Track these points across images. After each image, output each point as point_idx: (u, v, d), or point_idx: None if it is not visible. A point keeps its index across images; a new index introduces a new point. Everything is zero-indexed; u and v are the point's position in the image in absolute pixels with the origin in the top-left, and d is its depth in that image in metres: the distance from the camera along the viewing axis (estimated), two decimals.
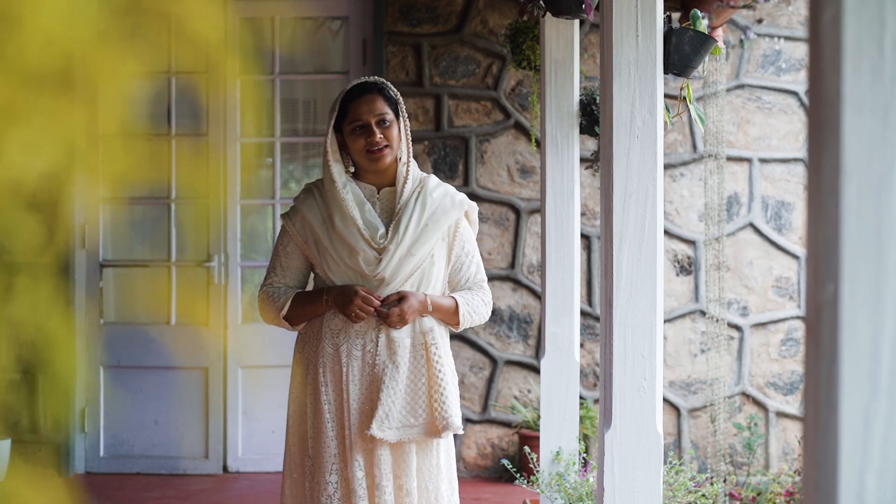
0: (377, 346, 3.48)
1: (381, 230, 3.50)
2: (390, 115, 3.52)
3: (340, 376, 3.47)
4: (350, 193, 3.52)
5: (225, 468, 6.47)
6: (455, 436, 3.51)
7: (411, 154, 3.57)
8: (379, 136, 3.50)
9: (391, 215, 3.55)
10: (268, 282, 3.60)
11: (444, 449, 3.54)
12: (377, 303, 3.45)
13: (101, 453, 6.50)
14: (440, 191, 3.57)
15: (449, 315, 3.55)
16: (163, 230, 6.54)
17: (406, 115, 3.57)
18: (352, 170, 3.60)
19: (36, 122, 1.25)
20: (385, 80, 3.59)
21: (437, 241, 3.53)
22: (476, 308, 3.59)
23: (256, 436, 6.46)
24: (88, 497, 5.86)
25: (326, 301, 3.48)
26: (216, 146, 6.45)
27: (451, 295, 3.57)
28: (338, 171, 3.53)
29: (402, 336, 3.48)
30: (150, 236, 6.60)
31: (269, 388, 6.38)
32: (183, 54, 6.31)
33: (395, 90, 3.58)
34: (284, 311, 3.53)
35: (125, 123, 1.36)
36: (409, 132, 3.56)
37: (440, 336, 3.53)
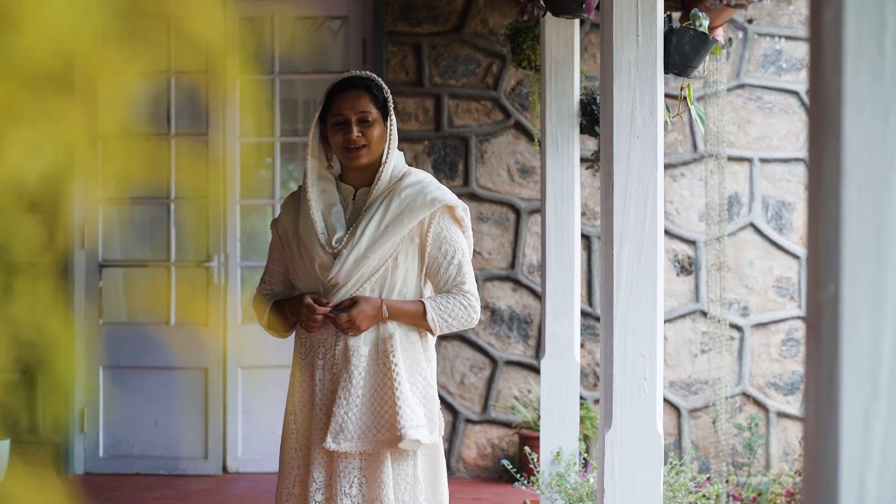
0: (335, 354, 3.35)
1: (340, 233, 3.36)
2: (373, 114, 3.38)
3: (306, 386, 3.39)
4: (322, 192, 3.41)
5: (224, 468, 6.47)
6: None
7: (393, 154, 3.40)
8: (357, 134, 3.35)
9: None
10: (258, 288, 3.55)
11: (424, 457, 3.38)
12: (325, 310, 3.31)
13: (101, 454, 6.50)
14: (412, 189, 3.37)
15: (416, 319, 3.35)
16: (162, 230, 6.54)
17: (393, 114, 3.44)
18: (338, 170, 3.49)
19: (36, 122, 1.24)
20: (374, 77, 3.46)
21: (404, 242, 3.34)
22: (452, 311, 3.36)
23: (256, 436, 6.45)
24: (88, 497, 5.85)
25: (289, 312, 3.40)
26: (216, 146, 6.45)
27: (421, 299, 3.38)
28: (311, 167, 3.41)
29: (359, 343, 3.32)
30: (150, 236, 6.60)
31: (268, 389, 6.37)
32: (183, 54, 6.31)
33: (385, 88, 3.44)
34: (265, 320, 3.48)
35: (125, 123, 1.36)
36: (394, 131, 3.41)
37: (406, 343, 3.34)
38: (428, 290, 3.45)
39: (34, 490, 1.35)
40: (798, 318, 6.45)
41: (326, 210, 3.39)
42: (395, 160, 3.42)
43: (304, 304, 3.33)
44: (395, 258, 3.35)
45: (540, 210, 5.83)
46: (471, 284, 3.41)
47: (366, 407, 3.29)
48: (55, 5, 1.22)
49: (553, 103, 5.09)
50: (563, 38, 5.05)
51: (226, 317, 6.45)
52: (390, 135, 3.41)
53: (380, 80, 3.46)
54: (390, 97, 3.44)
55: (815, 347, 1.34)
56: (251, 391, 6.43)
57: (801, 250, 6.43)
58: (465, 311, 3.38)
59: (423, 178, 3.43)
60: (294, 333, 3.50)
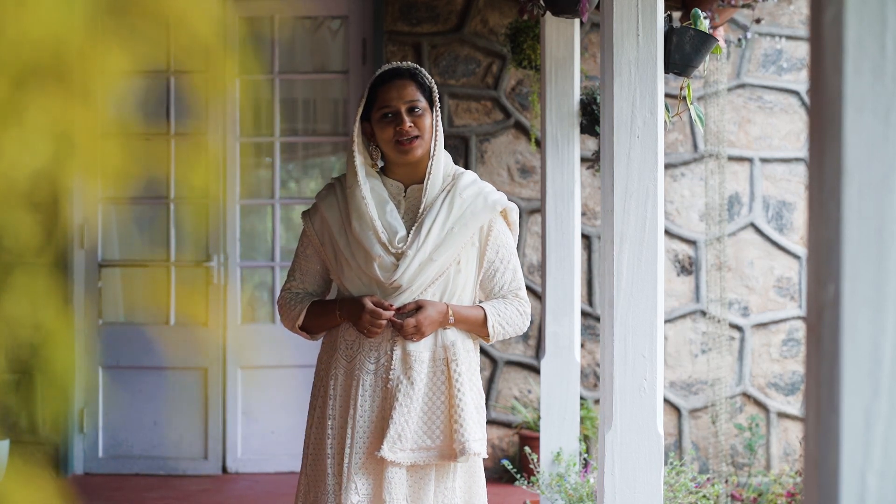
0: (391, 359, 3.16)
1: (402, 233, 3.18)
2: (423, 103, 3.20)
3: (350, 390, 3.18)
4: (371, 191, 3.21)
5: (224, 469, 6.46)
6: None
7: (441, 147, 3.23)
8: (409, 124, 3.17)
9: (416, 216, 3.22)
10: (287, 286, 3.35)
11: (463, 471, 3.21)
12: (389, 314, 3.14)
13: (100, 454, 6.49)
14: (472, 190, 3.22)
15: (476, 327, 3.22)
16: (162, 230, 6.53)
17: (440, 106, 3.25)
18: (381, 164, 3.29)
19: (34, 121, 1.24)
20: (419, 67, 3.29)
21: (466, 246, 3.20)
22: (509, 318, 3.24)
23: (256, 436, 6.45)
24: (87, 498, 5.85)
25: (339, 314, 3.21)
26: (215, 145, 6.45)
27: (481, 305, 3.24)
28: (360, 163, 3.21)
29: (420, 349, 3.15)
30: (149, 236, 6.59)
31: (268, 389, 6.37)
32: (182, 53, 6.31)
33: (430, 78, 3.28)
34: (300, 321, 3.29)
35: (124, 122, 1.36)
36: (440, 124, 3.24)
37: (464, 351, 3.19)
38: (477, 296, 3.32)
39: (33, 490, 1.35)
40: (799, 318, 6.44)
41: (380, 208, 3.21)
42: (444, 157, 3.26)
43: (365, 309, 3.14)
44: (458, 262, 3.21)
45: (540, 210, 5.83)
46: (524, 290, 3.31)
47: (421, 417, 3.13)
48: (53, 4, 1.22)
49: (553, 103, 5.09)
50: (563, 37, 5.05)
51: (225, 317, 6.44)
52: (437, 128, 3.23)
53: (424, 70, 3.31)
54: (436, 88, 3.28)
55: (815, 347, 1.34)
56: (251, 391, 6.43)
57: (801, 250, 6.42)
58: (521, 317, 3.28)
59: (475, 178, 3.29)
60: (326, 335, 3.32)
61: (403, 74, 3.24)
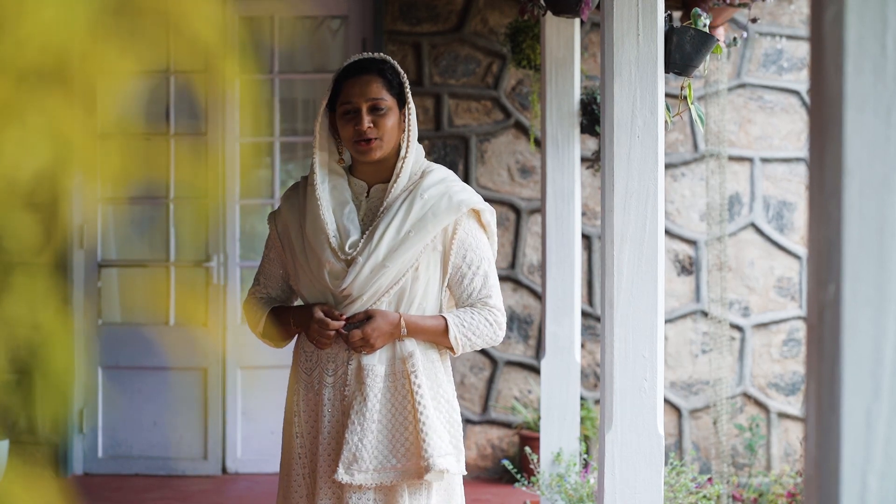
0: (347, 373, 2.96)
1: (354, 237, 2.96)
2: (387, 102, 2.99)
3: (312, 406, 3.00)
4: (333, 190, 3.01)
5: (224, 469, 6.46)
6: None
7: (412, 147, 3.02)
8: (368, 124, 2.96)
9: (376, 218, 3.01)
10: (251, 291, 3.18)
11: (439, 489, 2.99)
12: (338, 325, 2.94)
13: (100, 454, 6.49)
14: (436, 190, 2.98)
15: (437, 337, 2.98)
16: (161, 230, 6.53)
17: (412, 102, 3.04)
18: (348, 162, 3.10)
19: (34, 121, 1.24)
20: (388, 59, 3.05)
21: (426, 251, 2.96)
22: (476, 328, 2.99)
23: (255, 437, 6.45)
24: (86, 498, 5.85)
25: (293, 322, 3.03)
26: (215, 146, 6.44)
27: (442, 314, 3.00)
28: (321, 161, 3.02)
29: (374, 363, 2.93)
30: (149, 236, 6.59)
31: (268, 389, 6.37)
32: (182, 53, 6.31)
33: (401, 72, 3.04)
34: (260, 328, 3.11)
35: (124, 123, 1.35)
36: (413, 121, 3.03)
37: (426, 361, 2.97)
38: (448, 303, 3.10)
39: (32, 491, 1.34)
40: (799, 318, 6.44)
41: (338, 209, 3.00)
42: (415, 155, 3.04)
43: (314, 318, 2.96)
44: (415, 268, 2.96)
45: (540, 210, 5.83)
46: (497, 298, 3.04)
47: (383, 434, 2.92)
48: (53, 4, 1.22)
49: (553, 103, 5.09)
50: (563, 37, 5.05)
51: (225, 317, 6.44)
52: (409, 125, 3.02)
53: (395, 62, 3.07)
54: (407, 83, 3.05)
55: (816, 348, 1.34)
56: (250, 392, 6.43)
57: (802, 250, 6.42)
58: (491, 327, 3.02)
59: (445, 175, 3.05)
60: (295, 343, 3.15)
61: (369, 69, 3.01)
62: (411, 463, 2.91)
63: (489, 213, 3.06)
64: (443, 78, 6.46)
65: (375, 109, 2.99)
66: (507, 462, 5.62)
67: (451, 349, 3.01)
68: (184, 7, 1.38)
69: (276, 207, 6.44)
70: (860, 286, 1.29)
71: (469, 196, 3.01)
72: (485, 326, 3.00)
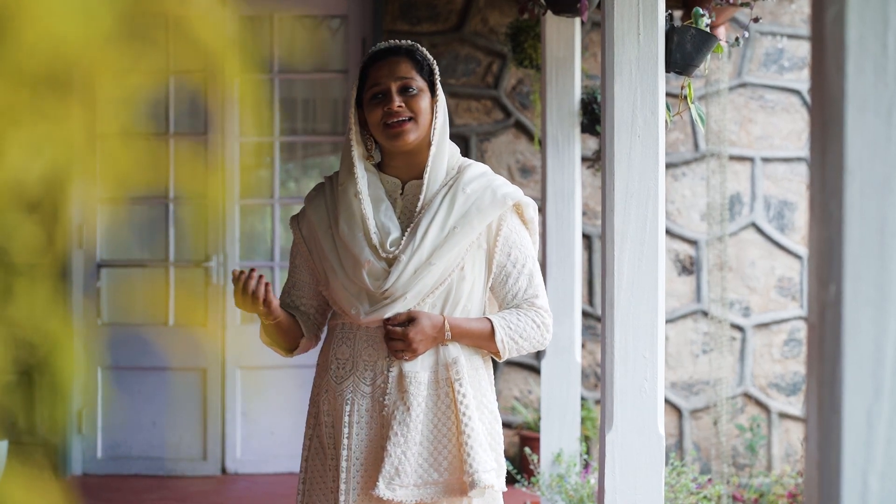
0: (388, 381, 2.74)
1: (394, 235, 2.76)
2: (418, 82, 2.78)
3: (342, 416, 2.77)
4: (364, 187, 2.79)
5: (223, 470, 6.46)
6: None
7: (445, 137, 2.81)
8: (399, 103, 2.73)
9: (413, 216, 2.81)
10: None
11: None
12: (237, 270, 2.72)
13: (99, 455, 6.49)
14: (478, 184, 2.79)
15: (483, 342, 2.78)
16: (161, 230, 6.53)
17: (441, 92, 2.83)
18: (377, 159, 2.88)
19: (34, 122, 1.24)
20: (417, 45, 2.85)
21: (471, 249, 2.78)
22: (523, 331, 2.79)
23: (255, 437, 6.44)
24: (86, 499, 5.85)
25: (236, 304, 2.78)
26: (215, 146, 6.44)
27: (488, 316, 2.79)
28: (357, 155, 2.80)
29: (417, 369, 2.72)
30: (149, 236, 6.59)
31: (267, 390, 6.37)
32: (181, 53, 6.31)
33: (431, 58, 2.85)
34: (262, 334, 2.94)
35: (123, 123, 1.35)
36: (443, 109, 2.82)
37: (470, 369, 2.77)
38: (493, 306, 2.91)
39: (32, 491, 1.34)
40: (800, 318, 6.44)
41: (375, 207, 2.79)
42: (449, 149, 2.84)
43: (235, 288, 2.72)
44: (461, 268, 2.77)
45: (540, 210, 5.82)
46: (543, 298, 2.84)
47: (424, 446, 2.72)
48: (54, 6, 1.22)
49: (554, 102, 5.08)
50: (563, 36, 5.04)
51: (225, 317, 6.44)
52: (438, 114, 2.80)
53: (424, 49, 2.88)
54: (437, 70, 2.86)
55: (817, 348, 1.33)
56: (250, 392, 6.43)
57: (803, 250, 6.42)
58: (538, 330, 2.82)
59: (485, 170, 2.86)
60: (321, 350, 2.94)
61: (397, 52, 2.81)
62: (453, 478, 2.71)
63: (532, 209, 2.86)
64: (443, 77, 6.44)
65: (406, 90, 2.77)
66: (507, 462, 5.61)
67: (497, 354, 2.81)
68: (184, 7, 1.38)
69: (275, 210, 6.50)
70: (861, 286, 1.29)
71: (513, 190, 2.82)
72: (532, 329, 2.81)
